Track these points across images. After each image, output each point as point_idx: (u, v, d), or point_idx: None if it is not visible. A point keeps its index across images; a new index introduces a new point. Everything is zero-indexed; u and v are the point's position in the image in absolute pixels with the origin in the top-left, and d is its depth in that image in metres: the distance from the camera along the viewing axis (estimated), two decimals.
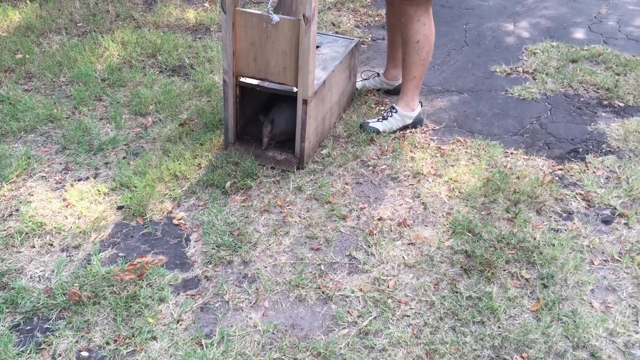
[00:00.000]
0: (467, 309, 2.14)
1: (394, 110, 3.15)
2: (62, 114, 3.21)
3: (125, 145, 3.00)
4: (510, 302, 2.17)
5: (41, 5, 4.57)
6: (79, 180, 2.74)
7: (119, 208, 2.59)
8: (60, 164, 2.85)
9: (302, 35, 2.55)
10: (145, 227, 2.49)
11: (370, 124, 3.12)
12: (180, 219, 2.54)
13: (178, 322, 2.08)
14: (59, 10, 4.50)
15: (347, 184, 2.78)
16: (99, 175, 2.78)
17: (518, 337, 2.03)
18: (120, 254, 2.35)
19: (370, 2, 4.88)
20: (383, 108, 3.38)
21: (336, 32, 4.15)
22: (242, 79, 2.81)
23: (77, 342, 1.98)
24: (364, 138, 3.07)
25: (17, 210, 2.53)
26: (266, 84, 2.80)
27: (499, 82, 3.68)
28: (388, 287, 2.24)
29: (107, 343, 1.98)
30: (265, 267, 2.32)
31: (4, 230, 2.42)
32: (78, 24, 4.30)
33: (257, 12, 2.62)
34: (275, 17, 2.57)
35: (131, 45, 3.94)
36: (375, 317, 2.11)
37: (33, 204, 2.56)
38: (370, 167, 2.90)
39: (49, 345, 1.96)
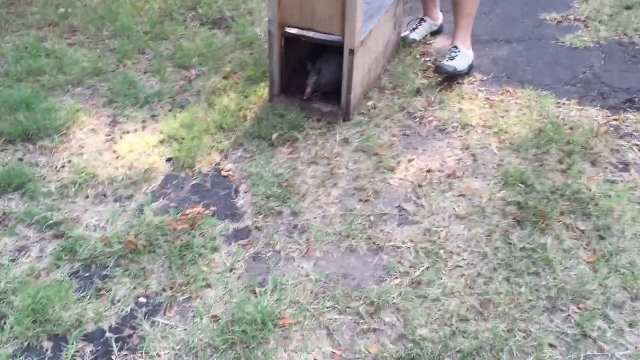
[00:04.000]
0: (521, 260, 2.11)
1: (457, 50, 3.10)
2: (107, 67, 3.22)
3: (170, 98, 3.00)
4: (565, 254, 2.13)
5: None
6: (128, 132, 2.76)
7: (168, 160, 2.60)
8: (109, 116, 2.87)
9: None
10: (195, 179, 2.51)
11: (445, 64, 3.03)
12: (228, 171, 2.55)
13: (231, 270, 2.10)
14: None
15: (394, 135, 2.74)
16: (146, 128, 2.79)
17: (574, 288, 2.00)
18: (172, 205, 2.37)
19: None
20: (428, 59, 3.31)
21: None
22: (288, 29, 2.76)
23: (134, 288, 2.02)
24: (410, 89, 3.01)
25: (69, 161, 2.57)
26: (311, 34, 2.75)
27: (549, 31, 3.55)
28: (439, 238, 2.22)
29: (164, 290, 2.02)
30: (315, 217, 2.32)
31: (59, 181, 2.46)
32: None
33: None
34: None
35: None
36: (427, 268, 2.10)
37: (84, 156, 2.59)
38: (417, 119, 2.85)
39: (107, 291, 2.01)
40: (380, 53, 3.05)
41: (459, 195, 2.41)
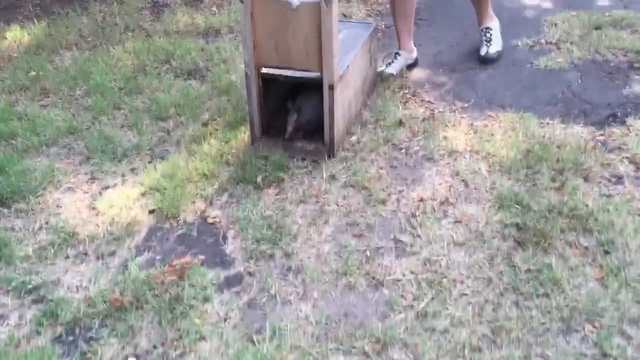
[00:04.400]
0: (528, 282, 2.03)
1: (490, 30, 3.50)
2: (82, 125, 3.14)
3: (149, 150, 2.91)
4: (572, 272, 2.05)
5: (49, 25, 4.52)
6: (107, 188, 2.66)
7: (151, 212, 2.50)
8: (86, 174, 2.77)
9: (324, 18, 2.46)
10: (180, 229, 2.41)
11: (490, 52, 3.48)
12: (214, 217, 2.45)
13: (225, 320, 1.98)
14: (67, 27, 4.44)
15: (381, 168, 2.68)
16: (126, 182, 2.70)
17: (587, 307, 1.91)
18: (158, 257, 2.26)
19: None
20: (407, 91, 3.28)
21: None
22: (265, 70, 2.72)
23: (123, 348, 1.89)
24: (393, 121, 2.97)
25: (47, 222, 2.45)
26: (289, 73, 2.71)
27: (523, 55, 3.57)
28: (440, 267, 2.13)
29: (155, 347, 1.89)
30: (309, 257, 2.22)
31: (36, 243, 2.34)
32: (88, 39, 4.23)
33: None
34: (295, 2, 2.49)
35: (144, 54, 3.86)
36: (431, 299, 2.01)
37: (62, 215, 2.48)
38: (403, 150, 2.80)
39: (94, 354, 1.87)
40: (359, 88, 3.02)
41: (455, 222, 2.34)
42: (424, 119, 3.00)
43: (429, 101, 3.19)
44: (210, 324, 1.96)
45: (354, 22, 3.31)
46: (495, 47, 3.50)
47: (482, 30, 3.55)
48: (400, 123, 2.97)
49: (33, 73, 3.70)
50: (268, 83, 2.78)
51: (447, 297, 2.00)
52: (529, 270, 2.08)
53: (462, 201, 2.45)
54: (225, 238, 2.35)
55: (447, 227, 2.32)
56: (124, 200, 2.56)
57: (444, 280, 2.07)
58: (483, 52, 3.50)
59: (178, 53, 3.85)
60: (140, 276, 2.14)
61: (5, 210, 2.53)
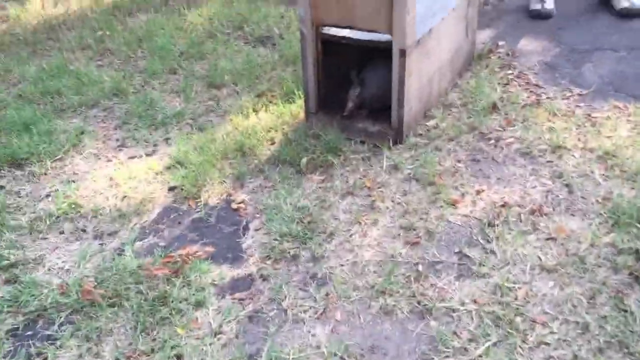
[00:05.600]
0: None
1: None
2: (130, 88, 2.81)
3: (191, 119, 2.52)
4: None
5: None
6: (134, 157, 2.30)
7: (171, 189, 2.10)
8: (117, 140, 2.43)
9: None
10: (198, 212, 1.98)
11: (545, 6, 3.05)
12: (240, 203, 2.00)
13: (216, 335, 1.52)
14: None
15: (459, 161, 2.10)
16: (156, 152, 2.32)
17: None
18: (161, 244, 1.85)
19: None
20: (511, 72, 2.65)
21: None
22: (325, 30, 2.22)
23: (80, 356, 1.48)
24: (485, 105, 2.37)
25: (56, 190, 2.12)
26: (354, 34, 2.19)
27: None
28: (516, 299, 1.54)
29: None
30: (342, 265, 1.71)
31: (33, 212, 2.01)
32: (169, 2, 3.95)
33: None
34: None
35: (218, 18, 3.50)
36: (495, 343, 1.42)
37: (74, 184, 2.14)
38: (493, 141, 2.19)
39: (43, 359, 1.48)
40: (446, 62, 2.44)
41: (548, 239, 1.72)
42: (525, 105, 2.37)
43: (536, 84, 2.54)
44: (196, 338, 1.51)
45: None
46: (551, 4, 3.08)
47: None
48: (494, 107, 2.36)
49: (100, 33, 3.45)
50: (331, 46, 2.28)
51: (519, 343, 1.42)
52: None
53: (561, 212, 1.82)
54: (246, 229, 1.89)
55: (535, 245, 1.71)
56: (145, 172, 2.18)
57: (518, 318, 1.48)
58: (624, 4, 2.97)
59: (254, 19, 3.45)
60: (132, 265, 1.73)
61: (18, 173, 2.23)
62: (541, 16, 3.09)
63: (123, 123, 2.53)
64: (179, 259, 1.74)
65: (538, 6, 3.10)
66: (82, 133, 2.45)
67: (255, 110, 2.51)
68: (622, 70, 2.59)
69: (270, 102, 2.57)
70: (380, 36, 2.12)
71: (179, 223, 1.95)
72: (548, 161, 2.06)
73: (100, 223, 1.96)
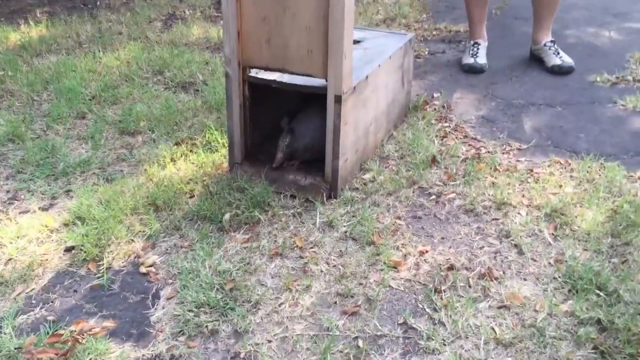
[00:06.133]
0: None
1: (556, 43, 3.02)
2: (29, 133, 2.49)
3: (99, 169, 2.23)
4: None
5: (47, 27, 3.99)
6: (26, 212, 1.97)
7: (68, 250, 1.79)
8: (8, 191, 2.10)
9: (334, 1, 1.76)
10: (98, 277, 1.67)
11: (565, 61, 2.95)
12: (150, 266, 1.71)
13: None
14: (65, 31, 3.90)
15: (399, 217, 1.91)
16: (53, 206, 2.00)
17: None
18: (50, 318, 1.53)
19: (426, 16, 4.11)
20: (448, 124, 2.53)
21: None
22: (253, 72, 2.02)
23: None
24: (423, 158, 2.21)
25: None
26: (286, 79, 2.00)
27: (603, 94, 2.77)
28: None
29: None
30: (269, 341, 1.45)
31: None
32: (83, 45, 3.66)
33: None
34: None
35: (137, 62, 3.25)
36: None
37: None
38: (434, 196, 2.02)
39: None
40: (382, 112, 2.28)
41: (500, 307, 1.54)
42: (465, 159, 2.23)
43: (474, 138, 2.42)
44: None
45: (384, 31, 2.60)
46: (483, 59, 3.03)
47: (544, 45, 3.04)
48: (434, 161, 2.21)
49: (1, 72, 3.11)
50: (259, 90, 2.07)
51: None
52: None
53: (512, 276, 1.65)
54: (156, 297, 1.60)
55: (488, 315, 1.51)
56: (38, 230, 1.85)
57: None
58: (556, 61, 2.96)
59: (176, 64, 3.22)
60: (9, 346, 1.40)
61: None
62: (474, 70, 3.03)
63: (17, 172, 2.20)
64: (69, 338, 1.42)
65: (471, 60, 3.05)
66: None
67: (173, 160, 2.25)
68: (560, 125, 2.51)
69: (191, 151, 2.32)
70: (313, 81, 1.94)
71: (75, 291, 1.63)
72: (493, 219, 1.90)
73: None
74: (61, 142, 2.39)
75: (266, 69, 1.98)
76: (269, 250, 1.76)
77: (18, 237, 1.83)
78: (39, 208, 1.99)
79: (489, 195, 2.01)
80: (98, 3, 4.73)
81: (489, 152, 2.30)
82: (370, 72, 2.09)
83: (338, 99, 1.88)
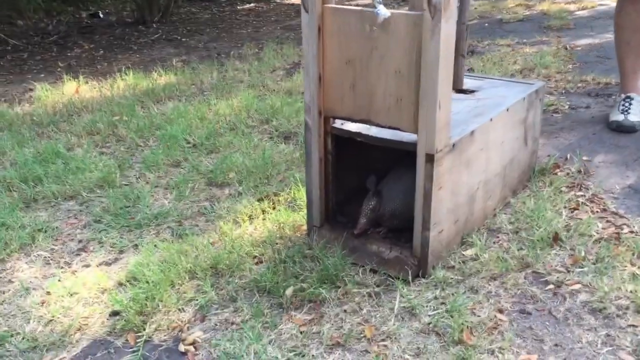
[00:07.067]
0: None
1: (631, 100, 2.56)
2: (122, 179, 2.41)
3: (176, 222, 2.07)
4: None
5: (176, 74, 4.07)
6: (88, 266, 1.84)
7: (114, 314, 1.60)
8: (79, 241, 1.99)
9: (427, 39, 1.45)
10: (134, 352, 1.46)
11: (630, 119, 2.52)
12: (191, 344, 1.47)
13: None
14: (192, 79, 3.94)
15: (501, 311, 1.50)
16: (118, 262, 1.85)
17: None
18: None
19: (572, 67, 3.62)
20: (582, 193, 2.07)
21: None
22: (337, 123, 1.75)
23: None
24: (543, 234, 1.78)
25: None
26: (373, 132, 1.70)
27: None
28: None
29: None
30: None
31: None
32: (204, 93, 3.66)
33: (356, 8, 1.60)
34: (383, 10, 1.52)
35: (246, 110, 3.14)
36: None
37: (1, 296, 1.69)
38: (551, 286, 1.59)
39: None
40: (494, 176, 1.89)
41: None
42: (599, 240, 1.77)
43: (615, 213, 1.94)
44: None
45: (507, 80, 2.23)
46: (635, 116, 2.53)
47: (620, 99, 2.63)
48: (556, 239, 1.77)
49: (115, 117, 3.15)
50: (345, 144, 1.80)
51: None
52: None
53: None
54: None
55: None
56: (90, 289, 1.70)
57: None
58: (614, 117, 2.56)
59: (285, 112, 3.06)
60: None
61: None
62: (623, 129, 2.52)
63: (95, 221, 2.10)
64: None
65: (620, 117, 2.55)
66: (42, 230, 2.03)
67: (251, 218, 2.02)
68: None
69: (274, 207, 2.08)
70: (404, 135, 1.62)
71: None
72: (630, 325, 1.43)
73: (2, 358, 1.47)
74: (147, 191, 2.28)
75: (350, 119, 1.71)
76: (330, 338, 1.44)
77: (69, 294, 1.68)
78: (102, 263, 1.85)
79: (627, 291, 1.53)
80: (232, 53, 4.80)
81: (632, 232, 1.81)
82: (478, 127, 1.73)
83: (430, 158, 1.54)
